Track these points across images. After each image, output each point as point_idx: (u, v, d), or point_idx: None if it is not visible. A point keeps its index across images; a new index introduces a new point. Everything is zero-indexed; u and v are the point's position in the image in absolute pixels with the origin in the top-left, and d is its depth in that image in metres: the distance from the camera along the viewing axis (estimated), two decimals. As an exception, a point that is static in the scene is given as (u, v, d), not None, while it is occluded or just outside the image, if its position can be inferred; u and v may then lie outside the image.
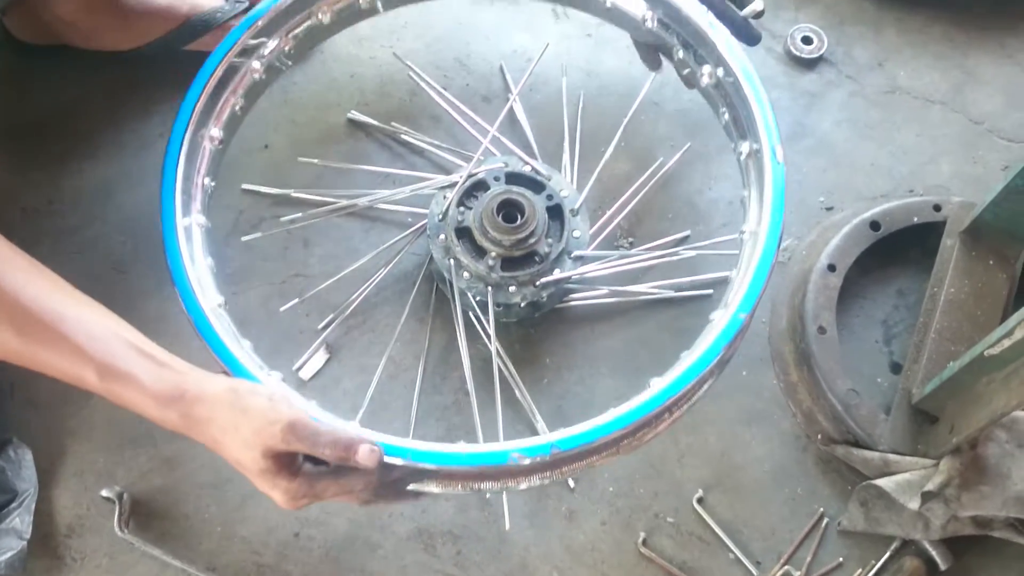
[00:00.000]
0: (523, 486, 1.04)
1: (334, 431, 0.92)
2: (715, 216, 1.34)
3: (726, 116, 1.22)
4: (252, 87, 1.24)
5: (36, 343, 0.92)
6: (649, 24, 1.26)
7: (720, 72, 1.21)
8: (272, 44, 1.24)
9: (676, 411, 1.07)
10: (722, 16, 1.21)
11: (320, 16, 1.27)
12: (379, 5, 1.29)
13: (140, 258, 1.27)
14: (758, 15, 1.24)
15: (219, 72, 1.18)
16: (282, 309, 1.24)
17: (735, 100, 1.19)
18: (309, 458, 0.94)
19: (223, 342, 1.04)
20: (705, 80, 1.23)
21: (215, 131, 1.19)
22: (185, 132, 1.14)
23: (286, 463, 0.92)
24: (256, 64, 1.23)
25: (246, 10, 1.33)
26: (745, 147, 1.18)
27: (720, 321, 1.06)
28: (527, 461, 0.98)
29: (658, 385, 1.03)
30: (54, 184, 1.30)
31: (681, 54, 1.26)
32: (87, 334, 0.93)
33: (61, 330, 0.92)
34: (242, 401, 0.93)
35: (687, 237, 1.32)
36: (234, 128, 1.23)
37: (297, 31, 1.27)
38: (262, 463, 0.91)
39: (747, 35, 1.23)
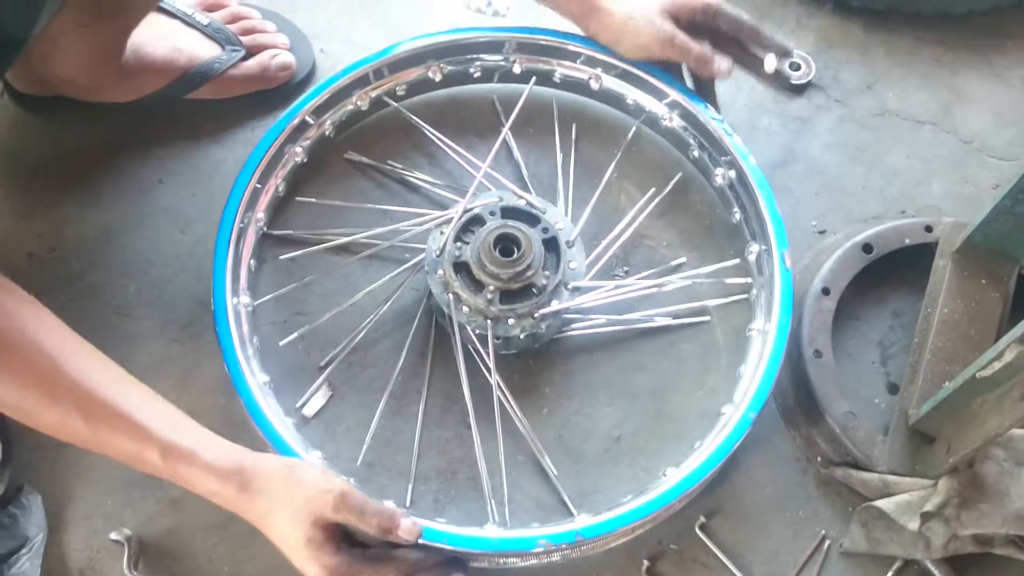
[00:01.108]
0: (544, 561, 1.12)
1: (379, 504, 1.00)
2: (709, 243, 1.35)
3: (737, 216, 1.30)
4: (293, 170, 1.32)
5: (103, 427, 0.98)
6: (667, 123, 1.35)
7: (732, 175, 1.29)
8: (314, 131, 1.32)
9: (688, 498, 1.16)
10: (750, 68, 1.31)
11: (358, 103, 1.35)
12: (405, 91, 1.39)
13: (142, 301, 1.28)
14: (786, 53, 1.33)
15: (265, 160, 1.26)
16: (281, 343, 1.25)
17: (746, 203, 1.28)
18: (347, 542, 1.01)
19: (269, 420, 1.12)
20: (718, 180, 1.32)
21: (260, 214, 1.28)
22: (235, 217, 1.22)
23: (331, 535, 0.99)
24: (298, 149, 1.31)
25: (245, 57, 1.36)
26: (755, 248, 1.27)
27: (732, 418, 1.14)
28: (553, 547, 1.07)
29: (674, 477, 1.11)
30: (56, 231, 1.32)
31: (697, 153, 1.34)
32: (150, 416, 1.00)
33: (125, 412, 0.98)
34: (297, 474, 1.00)
35: (682, 264, 1.33)
36: (275, 208, 1.31)
37: (338, 115, 1.34)
38: (310, 531, 0.98)
39: (780, 85, 1.34)
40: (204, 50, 1.35)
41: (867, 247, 1.29)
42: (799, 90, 1.47)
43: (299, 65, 1.40)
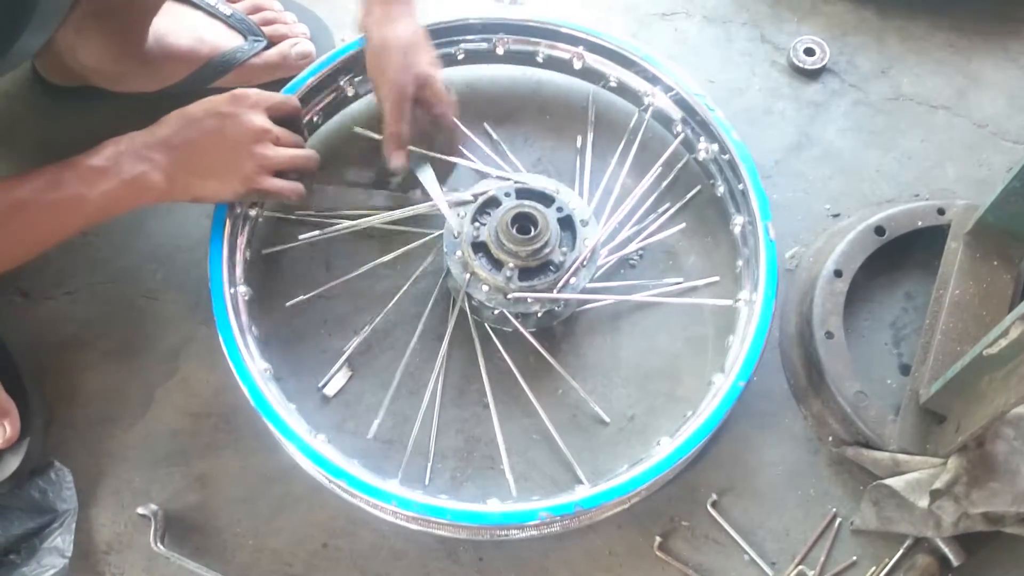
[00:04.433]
0: (544, 532, 1.16)
1: None
2: (710, 209, 1.37)
3: (721, 189, 1.33)
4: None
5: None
6: (650, 99, 1.37)
7: (716, 148, 1.31)
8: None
9: (682, 466, 1.19)
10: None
11: (345, 88, 1.37)
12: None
13: (170, 285, 1.32)
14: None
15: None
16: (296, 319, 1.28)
17: (729, 176, 1.30)
18: None
19: (273, 407, 1.14)
20: (702, 155, 1.34)
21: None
22: (226, 209, 1.24)
23: None
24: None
25: (267, 47, 1.39)
26: (739, 220, 1.29)
27: (721, 387, 1.17)
28: (554, 518, 1.10)
29: (668, 447, 1.14)
30: (87, 217, 1.35)
31: (680, 128, 1.35)
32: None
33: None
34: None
35: (683, 228, 1.35)
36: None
37: (325, 102, 1.37)
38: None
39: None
40: (227, 40, 1.38)
41: (880, 229, 1.30)
42: (814, 75, 1.48)
43: (320, 54, 1.42)
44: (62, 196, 1.08)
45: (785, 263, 1.34)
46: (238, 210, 1.25)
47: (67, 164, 1.10)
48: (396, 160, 1.25)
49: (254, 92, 1.20)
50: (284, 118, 1.23)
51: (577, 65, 1.40)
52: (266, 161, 1.18)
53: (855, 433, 1.21)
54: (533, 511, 1.09)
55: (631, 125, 1.41)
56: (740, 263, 1.29)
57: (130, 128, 1.38)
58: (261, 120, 1.18)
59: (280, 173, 1.21)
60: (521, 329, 1.24)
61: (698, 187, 1.37)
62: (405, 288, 1.29)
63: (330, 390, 1.26)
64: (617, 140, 1.39)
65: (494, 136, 1.40)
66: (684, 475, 1.22)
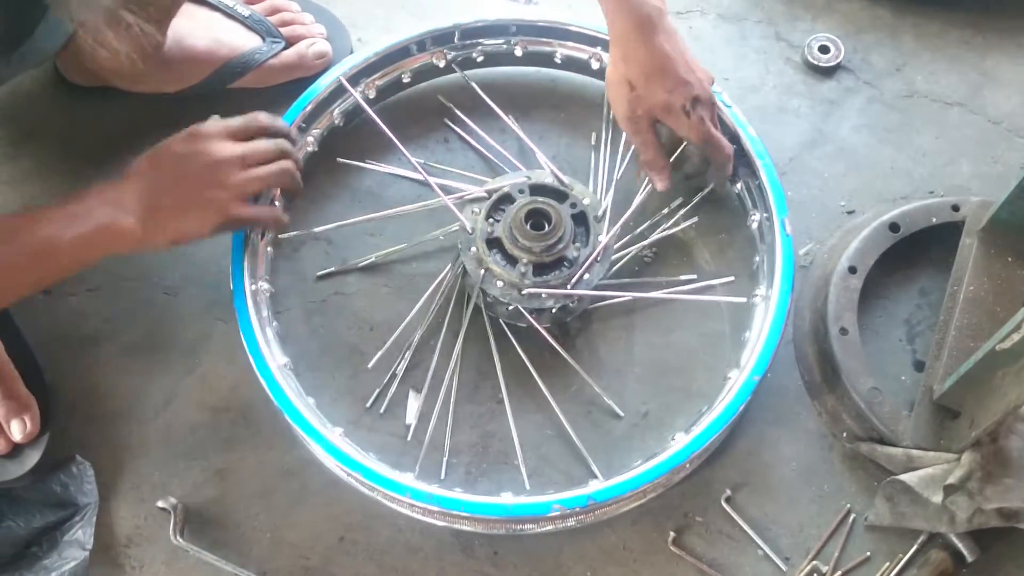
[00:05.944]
0: (560, 527, 1.17)
1: None
2: (723, 207, 1.37)
3: (739, 186, 1.33)
4: (307, 158, 1.36)
5: None
6: None
7: (733, 147, 1.30)
8: (324, 120, 1.37)
9: (698, 461, 1.20)
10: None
11: (366, 92, 1.38)
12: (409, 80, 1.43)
13: (189, 282, 1.33)
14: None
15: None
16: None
17: (745, 172, 1.31)
18: None
19: (291, 401, 1.16)
20: None
21: (276, 201, 1.31)
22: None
23: None
24: (310, 138, 1.35)
25: (285, 47, 1.40)
26: (756, 216, 1.30)
27: (736, 382, 1.17)
28: (567, 511, 1.11)
29: (682, 441, 1.15)
30: (107, 215, 1.37)
31: None
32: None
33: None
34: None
35: (695, 222, 1.36)
36: (291, 196, 1.34)
37: (345, 106, 1.38)
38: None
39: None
40: (245, 41, 1.39)
41: (894, 226, 1.30)
42: (829, 72, 1.49)
43: (337, 54, 1.44)
44: (35, 239, 1.06)
45: (800, 260, 1.34)
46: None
47: (40, 210, 1.09)
48: (660, 184, 1.29)
49: (211, 123, 1.19)
50: (264, 130, 1.22)
51: (595, 66, 1.40)
52: (235, 188, 1.17)
53: (869, 429, 1.21)
54: (546, 503, 1.10)
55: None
56: (757, 259, 1.29)
57: (149, 129, 1.40)
58: (222, 147, 1.17)
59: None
60: (535, 324, 1.24)
61: (711, 184, 1.37)
62: (431, 290, 1.30)
63: (409, 419, 1.26)
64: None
65: (510, 131, 1.41)
66: (698, 471, 1.22)
